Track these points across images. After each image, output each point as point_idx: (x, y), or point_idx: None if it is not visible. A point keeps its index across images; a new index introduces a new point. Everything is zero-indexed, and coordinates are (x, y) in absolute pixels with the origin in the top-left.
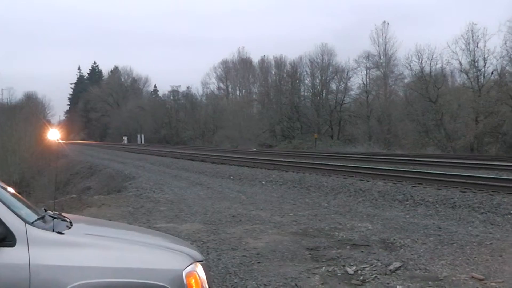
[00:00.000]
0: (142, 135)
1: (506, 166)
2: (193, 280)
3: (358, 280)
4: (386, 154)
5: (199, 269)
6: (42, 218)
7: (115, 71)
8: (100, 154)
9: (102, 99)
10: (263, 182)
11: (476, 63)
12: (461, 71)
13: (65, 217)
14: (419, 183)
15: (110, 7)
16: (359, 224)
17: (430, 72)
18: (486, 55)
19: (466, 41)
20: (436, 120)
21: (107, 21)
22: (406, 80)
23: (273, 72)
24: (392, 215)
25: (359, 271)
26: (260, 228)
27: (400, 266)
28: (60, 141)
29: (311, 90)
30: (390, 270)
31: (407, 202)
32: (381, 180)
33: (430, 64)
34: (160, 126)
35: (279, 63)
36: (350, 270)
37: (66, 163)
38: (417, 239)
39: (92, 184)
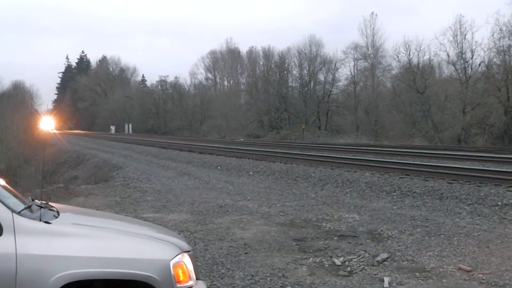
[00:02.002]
0: (130, 125)
1: (493, 157)
2: (180, 270)
3: (345, 271)
4: (374, 145)
5: (186, 260)
6: (29, 207)
7: (103, 60)
8: (87, 143)
9: (90, 89)
10: (251, 173)
11: (463, 55)
12: (448, 62)
13: (52, 206)
14: (406, 174)
15: None
16: (346, 215)
17: (418, 64)
18: (474, 47)
19: (453, 33)
20: (424, 111)
21: (96, 10)
22: (393, 71)
23: (261, 63)
24: (380, 206)
25: (347, 262)
26: (247, 219)
27: (388, 257)
28: (55, 131)
29: (299, 81)
30: (378, 261)
31: (395, 193)
32: (368, 171)
33: (418, 55)
34: (147, 116)
35: (267, 53)
36: (337, 261)
37: (53, 152)
38: (404, 230)
39: (79, 174)
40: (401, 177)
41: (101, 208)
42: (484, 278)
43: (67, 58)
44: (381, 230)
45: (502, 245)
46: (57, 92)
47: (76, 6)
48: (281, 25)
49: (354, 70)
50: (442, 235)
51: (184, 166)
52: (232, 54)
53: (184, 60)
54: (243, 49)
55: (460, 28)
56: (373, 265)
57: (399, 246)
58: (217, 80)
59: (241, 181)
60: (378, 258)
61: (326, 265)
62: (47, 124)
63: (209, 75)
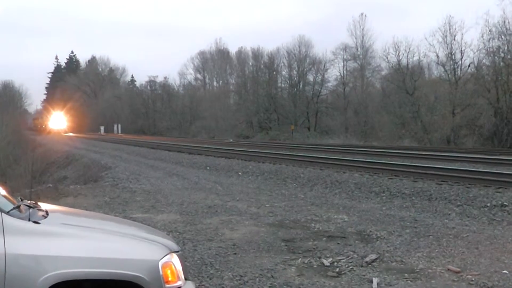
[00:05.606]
0: (119, 125)
1: (482, 158)
2: (169, 271)
3: (334, 272)
4: (363, 146)
5: (175, 260)
6: (18, 207)
7: (92, 60)
8: (76, 143)
9: (79, 89)
10: (240, 173)
11: (453, 56)
12: (438, 63)
13: (41, 206)
14: (395, 175)
15: None
16: (335, 216)
17: (407, 64)
18: (463, 48)
19: (443, 34)
20: (413, 112)
21: (85, 11)
22: (383, 72)
23: (250, 63)
24: (369, 207)
25: (335, 263)
26: (236, 219)
27: (376, 258)
28: (68, 132)
29: (288, 82)
30: (366, 262)
31: (384, 194)
32: (357, 172)
33: (407, 56)
34: (137, 116)
35: (257, 54)
36: (326, 262)
37: (43, 152)
38: (393, 231)
39: (68, 174)
40: (390, 178)
41: (90, 208)
42: (473, 279)
43: (56, 58)
44: (370, 231)
45: (491, 246)
46: (46, 92)
47: (65, 6)
48: (270, 26)
49: (343, 71)
50: (431, 236)
51: (173, 167)
52: (221, 54)
53: (173, 60)
54: (232, 50)
55: (450, 29)
56: (362, 266)
57: (388, 247)
58: (206, 80)
59: (230, 181)
60: (367, 259)
61: (315, 266)
62: (58, 122)
63: (198, 76)
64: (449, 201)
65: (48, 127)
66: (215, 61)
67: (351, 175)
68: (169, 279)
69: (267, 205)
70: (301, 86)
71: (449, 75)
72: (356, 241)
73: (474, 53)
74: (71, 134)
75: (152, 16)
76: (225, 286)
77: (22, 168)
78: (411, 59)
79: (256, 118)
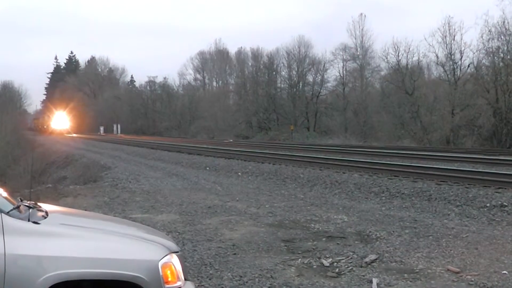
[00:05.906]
0: (118, 125)
1: (481, 159)
2: (168, 271)
3: (333, 272)
4: (362, 146)
5: (175, 260)
6: (17, 207)
7: (91, 61)
8: (76, 144)
9: (79, 89)
10: (239, 173)
11: (452, 56)
12: (437, 64)
13: (40, 207)
14: (395, 176)
15: None
16: (335, 216)
17: (407, 65)
18: (463, 48)
19: (442, 34)
20: (412, 112)
21: (85, 11)
22: (382, 73)
23: (249, 64)
24: (368, 207)
25: (335, 263)
26: (236, 220)
27: (376, 259)
28: (72, 133)
29: (288, 82)
30: (366, 262)
31: (383, 195)
32: (357, 172)
33: (407, 56)
34: (136, 116)
35: (256, 54)
36: (325, 262)
37: (42, 153)
38: (393, 231)
39: (68, 174)
40: (390, 178)
41: (90, 208)
42: (473, 279)
43: (56, 58)
44: (370, 231)
45: (491, 247)
46: (45, 93)
47: (65, 6)
48: (270, 27)
49: (343, 71)
50: (430, 237)
51: (173, 167)
52: (221, 54)
53: (173, 60)
54: (232, 50)
55: (449, 29)
56: (361, 266)
57: (387, 247)
58: (206, 80)
59: (230, 181)
60: (367, 259)
61: (315, 266)
62: (61, 122)
63: (198, 76)
64: (449, 201)
65: (50, 127)
66: (215, 61)
67: (351, 176)
68: (169, 279)
69: (266, 206)
70: (300, 86)
71: (449, 76)
72: (356, 242)
73: (474, 53)
74: (74, 135)
75: (152, 16)
76: (224, 287)
77: (21, 168)
78: (410, 59)
79: (255, 119)
